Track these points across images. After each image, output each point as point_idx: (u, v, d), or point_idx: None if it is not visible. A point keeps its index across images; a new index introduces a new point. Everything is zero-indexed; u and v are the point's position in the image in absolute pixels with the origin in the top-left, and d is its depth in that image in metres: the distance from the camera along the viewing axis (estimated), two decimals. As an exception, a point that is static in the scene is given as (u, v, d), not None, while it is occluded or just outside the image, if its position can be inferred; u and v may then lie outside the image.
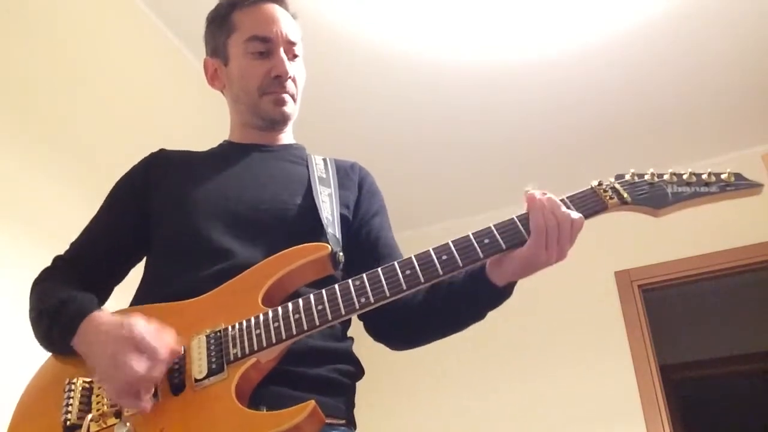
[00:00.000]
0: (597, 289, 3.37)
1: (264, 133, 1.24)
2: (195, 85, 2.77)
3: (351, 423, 1.03)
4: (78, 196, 1.90)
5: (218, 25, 1.25)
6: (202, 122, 2.52)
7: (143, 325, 0.90)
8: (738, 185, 0.95)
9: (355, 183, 1.23)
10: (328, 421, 0.93)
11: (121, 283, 1.20)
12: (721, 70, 2.89)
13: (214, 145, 1.29)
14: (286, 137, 1.28)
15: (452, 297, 1.03)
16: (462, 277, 1.00)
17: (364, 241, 1.16)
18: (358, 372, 1.08)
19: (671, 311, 4.26)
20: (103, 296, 1.15)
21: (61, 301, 1.00)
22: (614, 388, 3.08)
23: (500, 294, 0.99)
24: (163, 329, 0.92)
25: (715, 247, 3.19)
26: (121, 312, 1.02)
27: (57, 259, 1.15)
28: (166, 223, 1.12)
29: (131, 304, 1.08)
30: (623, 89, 2.99)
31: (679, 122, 3.20)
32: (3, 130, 1.86)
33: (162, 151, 1.25)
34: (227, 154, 1.23)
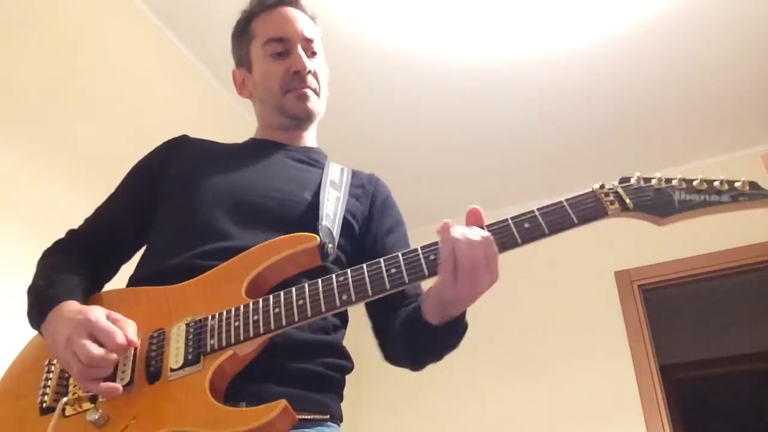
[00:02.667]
0: (597, 289, 3.36)
1: (288, 134, 1.25)
2: (195, 84, 2.79)
3: (336, 417, 1.02)
4: (78, 196, 1.89)
5: (239, 37, 1.29)
6: (202, 121, 2.52)
7: (99, 312, 0.92)
8: (753, 195, 0.87)
9: (368, 196, 1.23)
10: (310, 417, 0.94)
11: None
12: (721, 69, 2.89)
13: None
14: (309, 139, 1.29)
15: (413, 336, 1.01)
16: (416, 316, 0.97)
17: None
18: (347, 365, 1.07)
19: (671, 311, 4.26)
20: (109, 273, 1.18)
21: (45, 285, 1.02)
22: (614, 388, 3.08)
23: (443, 333, 0.95)
24: (122, 320, 0.93)
25: (715, 247, 3.19)
26: (106, 293, 1.05)
27: (70, 232, 1.18)
28: (172, 201, 1.14)
29: (129, 279, 1.10)
30: (624, 89, 2.99)
31: (678, 122, 3.20)
32: (3, 130, 1.86)
33: (184, 136, 1.28)
34: (247, 147, 1.26)
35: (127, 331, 0.91)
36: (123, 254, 1.21)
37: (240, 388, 0.89)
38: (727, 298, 4.31)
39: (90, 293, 1.06)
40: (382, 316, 1.10)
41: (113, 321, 0.92)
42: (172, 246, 1.07)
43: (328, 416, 0.99)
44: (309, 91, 1.22)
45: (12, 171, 1.85)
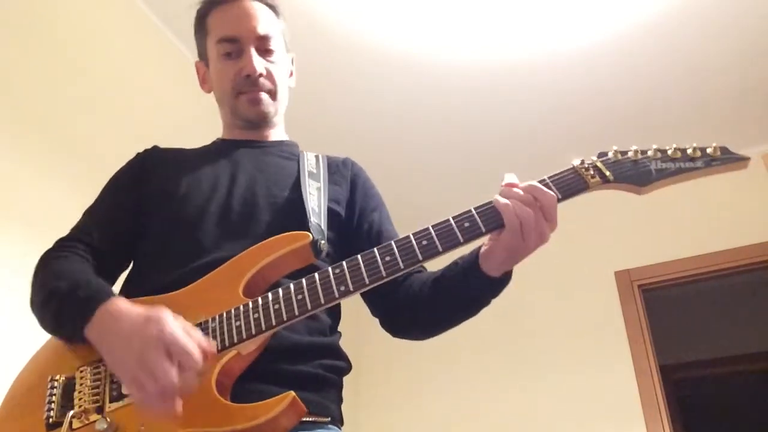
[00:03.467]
0: (597, 289, 3.36)
1: (254, 132, 1.24)
2: (195, 84, 2.78)
3: (337, 420, 1.02)
4: (78, 196, 1.89)
5: (198, 29, 1.27)
6: (202, 121, 2.52)
7: (173, 324, 0.82)
8: (724, 159, 0.93)
9: (347, 179, 1.23)
10: (311, 419, 0.94)
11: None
12: (721, 69, 2.89)
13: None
14: (278, 134, 1.28)
15: (454, 291, 1.01)
16: (460, 270, 0.99)
17: (366, 236, 1.15)
18: (345, 367, 1.07)
19: (671, 311, 4.26)
20: (110, 283, 1.10)
21: (76, 283, 0.96)
22: (614, 388, 3.08)
23: (498, 284, 0.97)
24: (194, 329, 0.86)
25: (715, 247, 3.19)
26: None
27: (62, 241, 1.11)
28: (156, 217, 1.12)
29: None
30: (623, 89, 2.99)
31: (678, 122, 3.20)
32: (2, 130, 1.86)
33: (155, 147, 1.26)
34: (218, 150, 1.24)
35: (202, 342, 0.83)
36: (121, 262, 1.14)
37: (239, 390, 0.89)
38: (727, 298, 4.31)
39: None
40: (387, 290, 1.06)
41: (186, 332, 0.83)
42: (163, 264, 1.05)
43: (329, 419, 0.99)
44: (262, 94, 1.19)
45: (12, 171, 1.85)
